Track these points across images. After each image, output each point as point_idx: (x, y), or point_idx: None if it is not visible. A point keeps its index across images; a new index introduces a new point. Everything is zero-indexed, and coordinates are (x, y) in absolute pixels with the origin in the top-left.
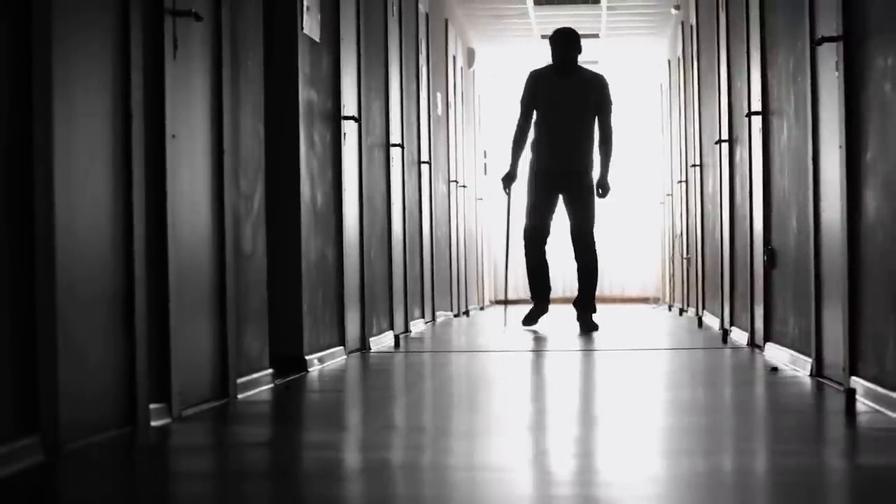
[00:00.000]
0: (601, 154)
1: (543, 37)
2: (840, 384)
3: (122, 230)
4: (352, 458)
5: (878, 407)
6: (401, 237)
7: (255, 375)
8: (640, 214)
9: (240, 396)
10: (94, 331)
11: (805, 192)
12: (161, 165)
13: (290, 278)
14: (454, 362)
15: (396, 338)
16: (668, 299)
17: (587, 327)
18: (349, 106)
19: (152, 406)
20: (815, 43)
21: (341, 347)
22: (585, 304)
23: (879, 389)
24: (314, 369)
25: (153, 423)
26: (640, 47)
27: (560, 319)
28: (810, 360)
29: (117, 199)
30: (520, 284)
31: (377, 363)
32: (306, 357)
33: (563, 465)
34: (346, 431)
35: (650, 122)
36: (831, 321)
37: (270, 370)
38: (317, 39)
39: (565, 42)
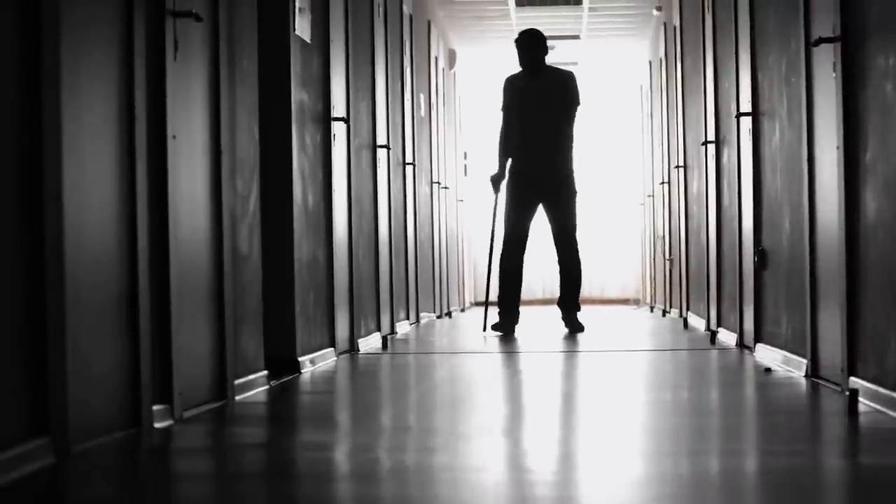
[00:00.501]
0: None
1: None
2: (837, 385)
3: (127, 233)
4: (351, 459)
5: (878, 407)
6: (387, 239)
7: (251, 377)
8: (619, 216)
9: (237, 398)
10: (100, 333)
11: (799, 193)
12: (162, 166)
13: (283, 279)
14: (442, 364)
15: (384, 339)
16: (649, 300)
17: (573, 327)
18: (338, 107)
19: (155, 408)
20: (812, 44)
21: (332, 349)
22: (570, 304)
23: (880, 390)
24: (307, 371)
25: (156, 425)
26: (621, 48)
27: (544, 321)
28: (805, 360)
29: (122, 200)
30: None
31: (367, 365)
32: (299, 358)
33: (564, 467)
34: (345, 433)
35: (630, 123)
36: (828, 322)
37: (265, 371)
38: (308, 40)
39: (532, 43)
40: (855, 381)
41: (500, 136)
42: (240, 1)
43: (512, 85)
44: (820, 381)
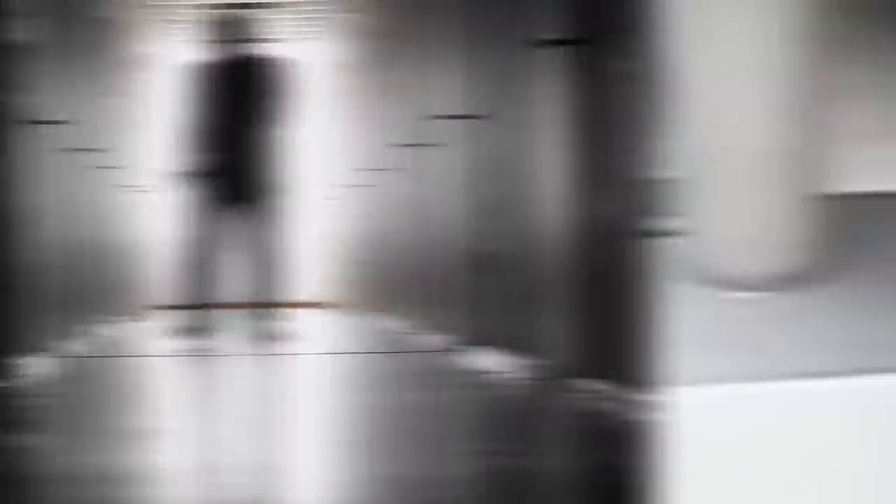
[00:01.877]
0: (272, 146)
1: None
2: (575, 386)
3: None
4: (96, 463)
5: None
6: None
7: None
8: (303, 217)
9: None
10: None
11: (521, 195)
12: None
13: None
14: (153, 367)
15: (91, 344)
16: (339, 304)
17: (264, 337)
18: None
19: None
20: (536, 45)
21: (42, 353)
22: (261, 311)
23: (619, 387)
24: (22, 376)
25: None
26: (304, 49)
27: (237, 326)
28: (533, 362)
29: None
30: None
31: (81, 370)
32: (13, 362)
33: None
34: (82, 438)
35: (309, 126)
36: (555, 322)
37: None
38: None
39: (230, 25)
40: (590, 381)
41: (181, 132)
42: None
43: (199, 70)
44: (552, 383)
